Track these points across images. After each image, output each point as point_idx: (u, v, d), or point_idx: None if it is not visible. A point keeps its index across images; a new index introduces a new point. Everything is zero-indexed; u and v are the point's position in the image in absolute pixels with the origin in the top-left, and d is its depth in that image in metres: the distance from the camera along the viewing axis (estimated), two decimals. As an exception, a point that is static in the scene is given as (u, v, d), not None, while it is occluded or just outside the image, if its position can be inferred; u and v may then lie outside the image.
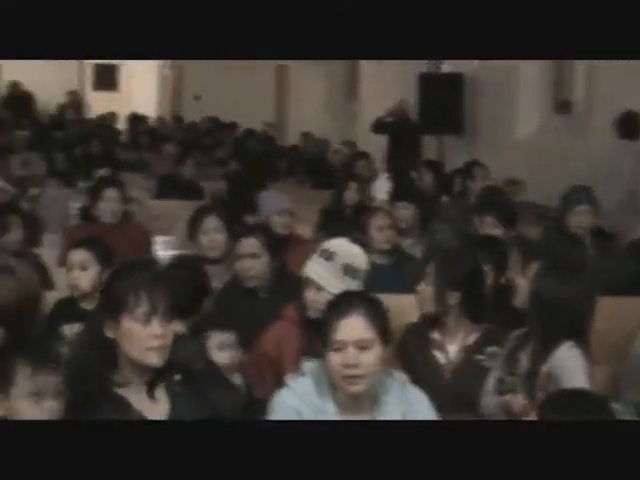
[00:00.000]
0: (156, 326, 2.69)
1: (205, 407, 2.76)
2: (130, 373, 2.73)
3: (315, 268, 3.64)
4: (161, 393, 2.76)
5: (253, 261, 4.32)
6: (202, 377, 2.85)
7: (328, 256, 3.63)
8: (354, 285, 3.56)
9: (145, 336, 2.69)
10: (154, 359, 2.69)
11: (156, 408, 2.74)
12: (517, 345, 3.50)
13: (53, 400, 2.62)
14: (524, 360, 3.44)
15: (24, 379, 2.60)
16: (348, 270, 3.60)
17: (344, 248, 3.66)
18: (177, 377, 2.78)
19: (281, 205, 5.80)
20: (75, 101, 16.35)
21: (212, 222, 4.94)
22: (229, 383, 3.16)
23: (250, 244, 4.39)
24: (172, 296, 2.75)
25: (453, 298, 3.66)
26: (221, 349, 3.59)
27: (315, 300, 3.59)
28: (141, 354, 2.69)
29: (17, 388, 2.61)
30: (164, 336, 2.71)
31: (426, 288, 3.71)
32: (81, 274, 4.12)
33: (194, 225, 4.97)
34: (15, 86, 15.46)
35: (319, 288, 3.59)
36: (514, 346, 3.50)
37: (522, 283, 3.86)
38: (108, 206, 5.75)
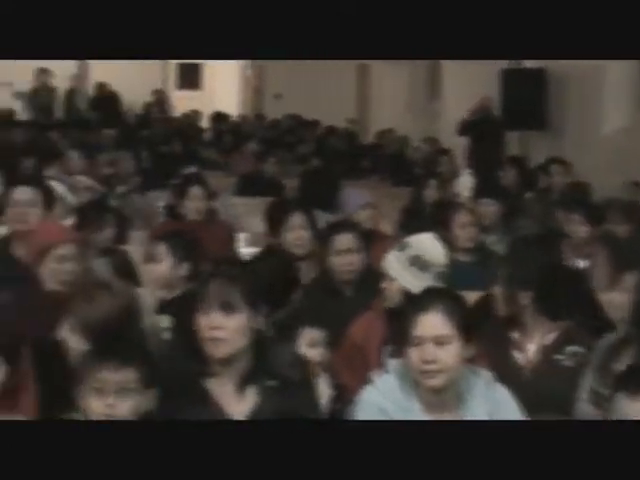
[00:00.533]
0: (215, 318, 2.75)
1: (291, 415, 2.77)
2: (216, 366, 2.77)
3: (389, 258, 3.72)
4: (251, 393, 2.80)
5: (351, 256, 4.32)
6: (294, 386, 2.85)
7: (401, 247, 3.71)
8: (423, 277, 3.58)
9: (204, 327, 2.76)
10: (214, 350, 2.74)
11: (240, 405, 2.78)
12: (611, 355, 3.35)
13: (127, 398, 2.65)
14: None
15: (99, 377, 2.65)
16: (416, 261, 3.62)
17: (418, 240, 3.70)
18: (270, 382, 2.81)
19: (364, 199, 5.83)
20: (160, 100, 16.56)
21: (298, 219, 4.94)
22: (316, 396, 3.14)
23: (348, 239, 4.38)
24: (252, 290, 2.80)
25: (525, 298, 3.60)
26: (312, 346, 3.59)
27: (388, 289, 3.66)
28: (204, 345, 2.75)
29: (88, 386, 2.66)
30: (224, 328, 2.75)
31: (498, 289, 3.68)
32: (155, 266, 4.19)
33: (279, 222, 4.99)
34: (102, 87, 15.74)
35: (391, 278, 3.65)
36: (607, 356, 3.36)
37: (616, 297, 3.76)
38: (193, 204, 5.84)
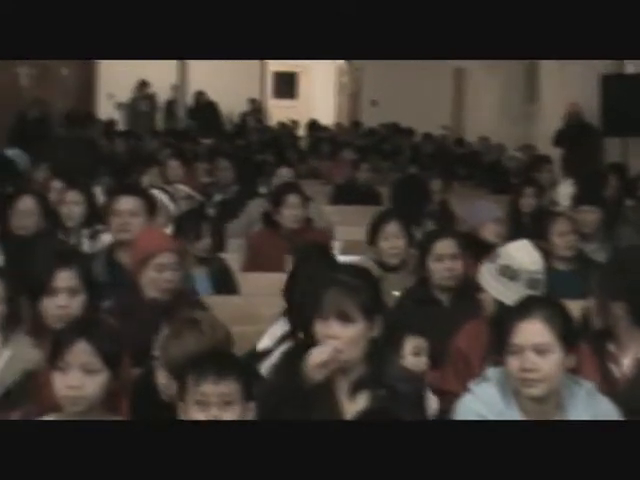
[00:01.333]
0: (333, 326, 2.76)
1: None
2: (314, 371, 2.79)
3: (482, 269, 3.69)
4: (361, 401, 2.81)
5: (451, 263, 4.27)
6: (403, 395, 2.84)
7: (492, 257, 3.67)
8: (513, 287, 3.53)
9: (321, 335, 2.78)
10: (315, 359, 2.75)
11: (350, 408, 2.81)
12: None
13: (229, 410, 2.67)
14: None
15: (201, 390, 2.67)
16: (505, 271, 3.57)
17: (507, 250, 3.65)
18: (380, 390, 2.81)
19: (493, 214, 5.75)
20: (256, 109, 16.74)
21: (393, 228, 4.92)
22: (424, 405, 3.12)
23: (448, 245, 4.35)
24: (368, 300, 2.80)
25: (619, 309, 3.48)
26: (416, 354, 3.58)
27: (483, 300, 3.65)
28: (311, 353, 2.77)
29: (191, 399, 2.68)
30: (339, 337, 2.76)
31: (593, 299, 3.60)
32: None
33: (375, 230, 4.99)
34: (201, 96, 15.98)
35: (484, 289, 3.64)
36: None
37: None
38: (290, 212, 5.85)
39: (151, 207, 4.85)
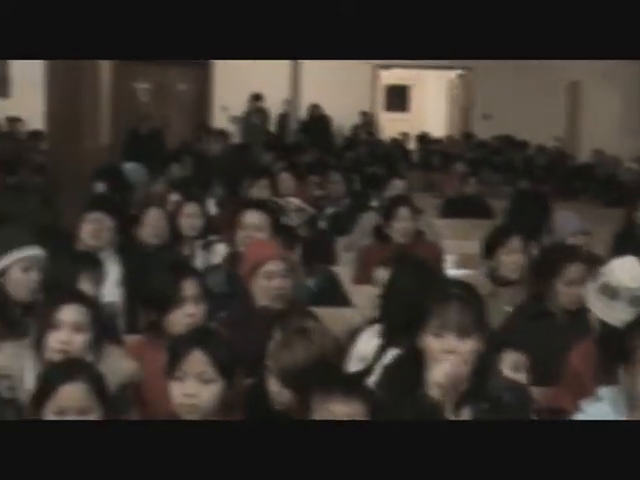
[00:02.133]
0: (451, 340, 2.73)
1: None
2: (436, 389, 2.75)
3: (586, 288, 3.62)
4: (465, 415, 2.79)
5: (579, 288, 4.01)
6: (507, 410, 2.81)
7: (596, 274, 3.58)
8: (615, 306, 3.42)
9: (437, 350, 2.74)
10: (440, 375, 2.71)
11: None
12: None
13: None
14: None
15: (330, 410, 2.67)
16: (605, 290, 3.47)
17: (611, 266, 3.53)
18: (484, 404, 2.78)
19: (578, 226, 5.65)
20: (367, 122, 16.76)
21: (515, 243, 4.84)
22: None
23: (580, 270, 4.18)
24: (472, 314, 2.78)
25: None
26: (515, 370, 3.54)
27: (592, 319, 3.55)
28: (434, 369, 2.73)
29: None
30: (458, 352, 2.73)
31: None
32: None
33: (494, 244, 4.91)
34: (315, 109, 16.07)
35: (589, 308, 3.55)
36: None
37: None
38: (400, 225, 5.84)
39: (276, 223, 4.90)
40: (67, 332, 3.15)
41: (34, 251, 3.91)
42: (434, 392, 2.73)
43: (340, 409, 2.65)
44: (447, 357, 2.73)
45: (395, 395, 2.84)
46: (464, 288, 2.90)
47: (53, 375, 2.84)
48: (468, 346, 2.75)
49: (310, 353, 3.05)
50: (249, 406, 3.17)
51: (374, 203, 7.81)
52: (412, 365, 2.82)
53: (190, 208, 5.76)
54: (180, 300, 3.53)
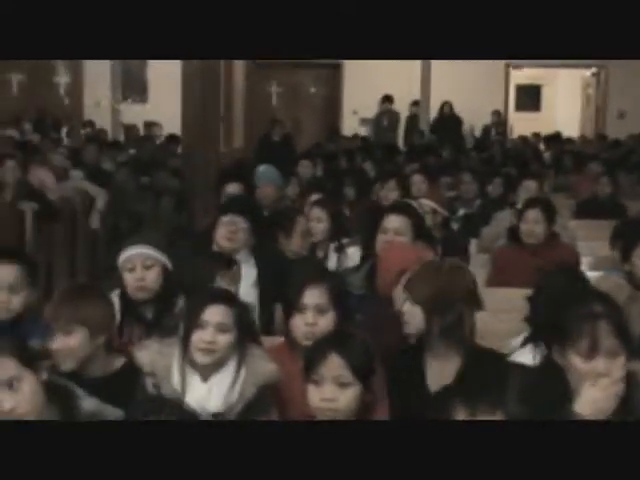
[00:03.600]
0: (600, 363, 2.66)
1: None
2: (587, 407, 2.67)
3: None
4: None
5: None
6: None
7: None
8: None
9: (585, 372, 2.67)
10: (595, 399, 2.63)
11: None
12: None
13: None
14: None
15: None
16: None
17: None
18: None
19: None
20: (498, 122, 16.55)
21: None
22: None
23: None
24: (615, 333, 2.70)
25: None
26: None
27: None
28: (585, 390, 2.65)
29: None
30: (608, 372, 2.66)
31: None
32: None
33: (630, 247, 4.73)
34: (446, 105, 15.94)
35: None
36: None
37: None
38: (529, 227, 5.73)
39: (419, 227, 4.84)
40: (212, 332, 3.19)
41: (136, 249, 3.96)
42: (584, 409, 2.66)
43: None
44: (597, 380, 2.66)
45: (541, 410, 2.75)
46: (609, 304, 2.81)
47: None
48: (618, 366, 2.69)
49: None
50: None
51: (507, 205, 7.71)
52: (556, 380, 2.74)
53: (315, 212, 5.73)
54: (301, 308, 3.51)
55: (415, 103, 15.71)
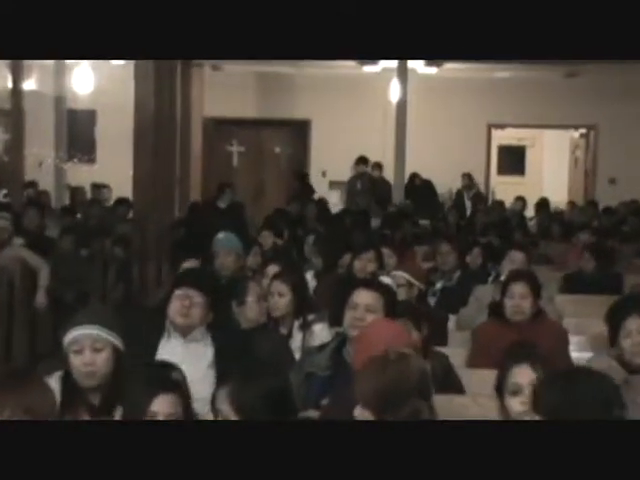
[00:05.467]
0: None
1: None
2: None
3: None
4: None
5: None
6: None
7: None
8: None
9: None
10: None
11: None
12: None
13: None
14: None
15: None
16: None
17: None
18: None
19: None
20: (470, 185, 16.50)
21: (634, 323, 4.67)
22: None
23: None
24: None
25: None
26: None
27: None
28: None
29: None
30: None
31: None
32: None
33: (615, 327, 4.78)
34: (417, 180, 16.11)
35: None
36: None
37: None
38: (512, 302, 5.73)
39: (390, 304, 4.82)
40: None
41: (84, 330, 3.91)
42: None
43: None
44: None
45: None
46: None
47: None
48: None
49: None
50: None
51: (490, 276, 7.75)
52: None
53: (276, 286, 5.71)
54: None
55: (377, 165, 15.81)
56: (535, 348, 4.05)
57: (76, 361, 3.86)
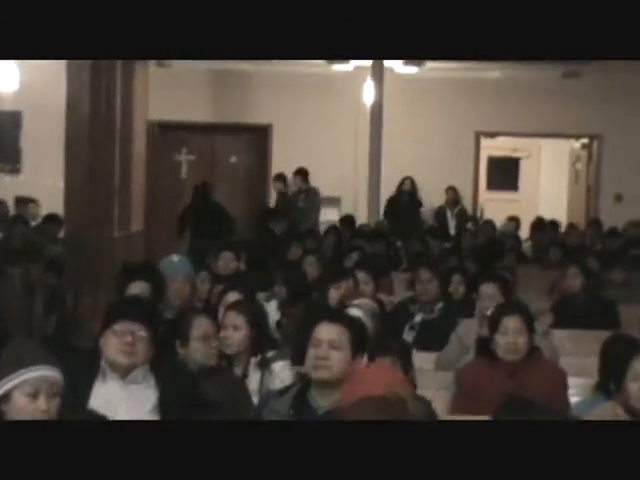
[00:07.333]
0: None
1: None
2: None
3: None
4: None
5: None
6: None
7: None
8: None
9: None
10: None
11: None
12: None
13: None
14: None
15: None
16: None
17: None
18: None
19: None
20: (454, 200, 16.57)
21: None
22: None
23: None
24: None
25: None
26: None
27: None
28: None
29: None
30: None
31: None
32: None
33: (620, 365, 4.84)
34: (407, 183, 16.09)
35: None
36: None
37: None
38: (512, 339, 5.75)
39: (358, 339, 4.77)
40: None
41: (43, 372, 3.89)
42: None
43: None
44: None
45: None
46: None
47: None
48: None
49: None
50: None
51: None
52: None
53: (230, 317, 5.72)
54: None
55: (279, 177, 15.75)
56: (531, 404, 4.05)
57: (28, 406, 3.82)
